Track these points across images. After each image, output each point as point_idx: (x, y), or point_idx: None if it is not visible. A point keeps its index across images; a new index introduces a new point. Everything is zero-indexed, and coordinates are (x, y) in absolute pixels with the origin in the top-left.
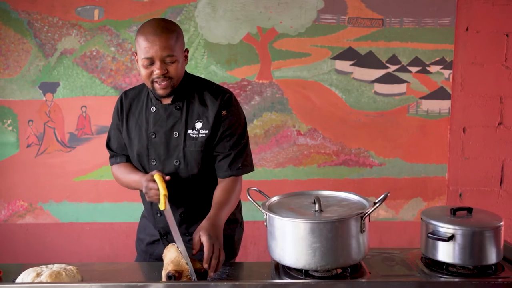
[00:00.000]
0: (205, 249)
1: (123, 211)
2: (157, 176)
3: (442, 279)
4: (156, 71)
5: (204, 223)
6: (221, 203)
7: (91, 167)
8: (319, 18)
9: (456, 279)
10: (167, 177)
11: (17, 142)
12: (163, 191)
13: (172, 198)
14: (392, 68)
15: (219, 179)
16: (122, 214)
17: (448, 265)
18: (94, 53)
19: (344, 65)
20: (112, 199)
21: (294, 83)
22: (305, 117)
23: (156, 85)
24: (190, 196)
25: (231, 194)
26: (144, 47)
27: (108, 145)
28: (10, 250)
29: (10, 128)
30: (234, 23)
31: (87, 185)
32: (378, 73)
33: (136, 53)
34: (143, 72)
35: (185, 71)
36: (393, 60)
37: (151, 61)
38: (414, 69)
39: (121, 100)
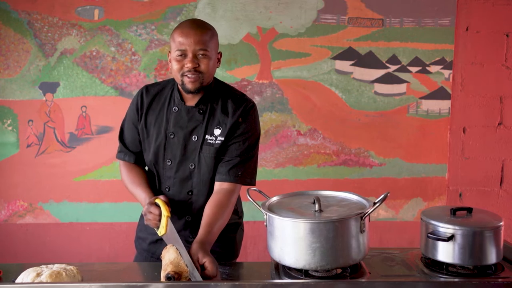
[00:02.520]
0: (211, 272)
1: (123, 211)
2: (159, 201)
3: (442, 279)
4: (188, 65)
5: (198, 246)
6: (211, 223)
7: (91, 167)
8: (319, 18)
9: (456, 279)
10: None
11: (17, 142)
12: (165, 213)
13: (179, 202)
14: (392, 68)
15: (215, 188)
16: (122, 214)
17: (448, 265)
18: (94, 53)
19: (344, 65)
20: (112, 199)
21: (294, 83)
22: (305, 117)
23: (186, 79)
24: (198, 201)
25: (223, 209)
26: (178, 41)
27: (121, 138)
28: (10, 250)
29: (10, 128)
30: (234, 23)
31: (87, 185)
32: (378, 73)
33: (170, 52)
34: (175, 66)
35: (214, 77)
36: (393, 60)
37: (184, 54)
38: (414, 69)
39: (141, 95)
